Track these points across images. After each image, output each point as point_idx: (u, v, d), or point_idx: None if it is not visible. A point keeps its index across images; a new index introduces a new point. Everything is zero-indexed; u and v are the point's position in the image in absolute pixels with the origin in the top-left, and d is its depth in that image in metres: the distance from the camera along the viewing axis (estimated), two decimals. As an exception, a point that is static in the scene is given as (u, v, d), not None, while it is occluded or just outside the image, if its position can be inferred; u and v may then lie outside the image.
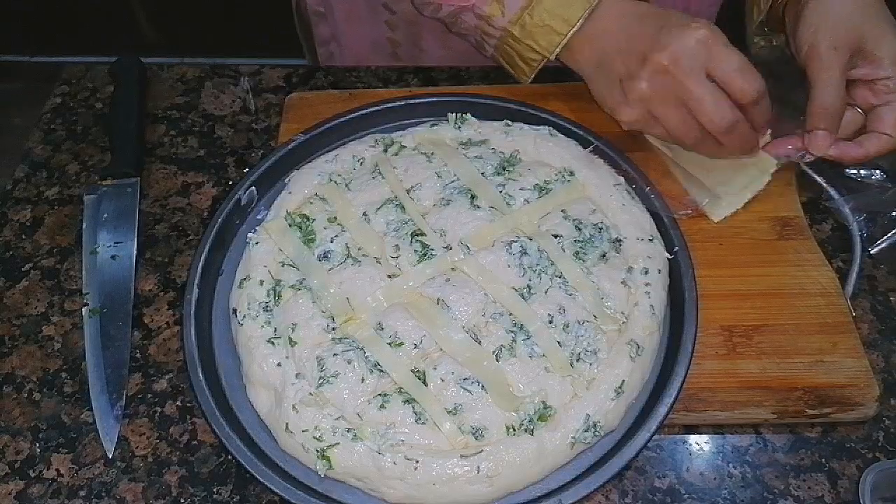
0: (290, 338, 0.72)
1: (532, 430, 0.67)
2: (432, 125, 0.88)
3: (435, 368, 0.70)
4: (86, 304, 0.82)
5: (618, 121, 0.84)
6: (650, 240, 0.78)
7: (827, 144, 0.79)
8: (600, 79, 0.84)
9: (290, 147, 0.87)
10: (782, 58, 0.92)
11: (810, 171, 0.89)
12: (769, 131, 0.85)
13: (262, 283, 0.76)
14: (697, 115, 0.77)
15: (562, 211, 0.79)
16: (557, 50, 0.84)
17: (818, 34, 0.78)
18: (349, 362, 0.70)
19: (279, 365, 0.71)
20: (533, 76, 0.90)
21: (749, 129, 0.80)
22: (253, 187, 0.85)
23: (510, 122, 0.87)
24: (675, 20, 0.78)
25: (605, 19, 0.82)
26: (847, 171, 0.90)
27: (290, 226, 0.79)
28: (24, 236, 0.90)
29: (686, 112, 0.78)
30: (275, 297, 0.75)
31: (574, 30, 0.82)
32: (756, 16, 0.92)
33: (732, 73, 0.76)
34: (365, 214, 0.80)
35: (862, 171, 0.90)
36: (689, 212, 0.84)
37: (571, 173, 0.83)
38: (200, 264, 0.79)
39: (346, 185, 0.82)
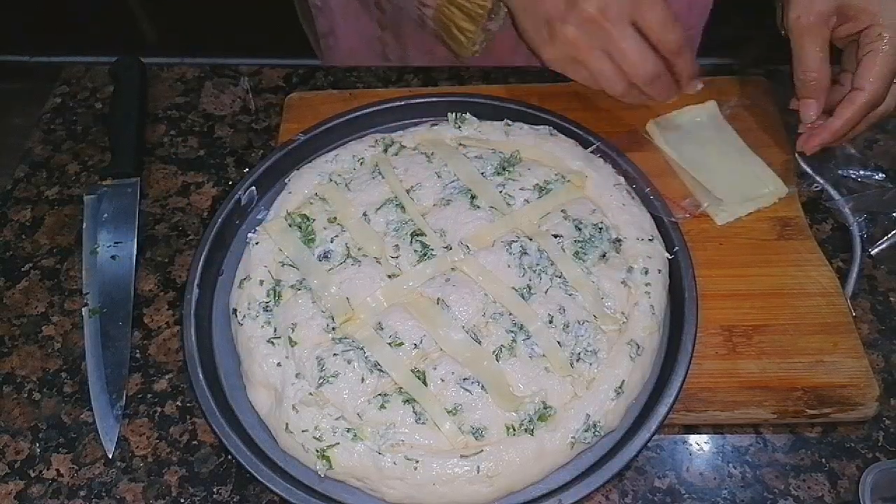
0: (290, 338, 0.72)
1: (532, 430, 0.67)
2: (432, 125, 0.88)
3: (435, 368, 0.70)
4: (86, 304, 0.82)
5: (540, 58, 0.85)
6: (650, 240, 0.78)
7: (813, 113, 0.80)
8: (529, 16, 0.84)
9: (290, 147, 0.87)
10: None
11: (811, 172, 0.89)
12: (699, 81, 0.86)
13: (262, 283, 0.76)
14: (621, 64, 0.79)
15: (562, 211, 0.79)
16: None
17: (798, 7, 0.79)
18: (349, 362, 0.70)
19: (279, 365, 0.71)
20: (477, 46, 0.91)
21: (671, 81, 0.82)
22: (253, 187, 0.85)
23: (510, 122, 0.87)
24: None
25: None
26: (847, 171, 0.90)
27: (290, 226, 0.79)
28: (24, 236, 0.90)
29: (611, 61, 0.80)
30: (275, 297, 0.75)
31: None
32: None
33: (656, 24, 0.78)
34: (365, 214, 0.80)
35: (862, 172, 0.90)
36: (687, 215, 0.84)
37: (571, 173, 0.83)
38: (200, 264, 0.79)
39: (346, 185, 0.82)
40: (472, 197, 0.80)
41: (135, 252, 0.86)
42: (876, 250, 0.85)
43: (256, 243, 0.79)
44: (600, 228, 0.78)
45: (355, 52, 1.13)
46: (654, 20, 0.78)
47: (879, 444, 0.73)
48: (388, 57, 1.11)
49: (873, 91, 0.78)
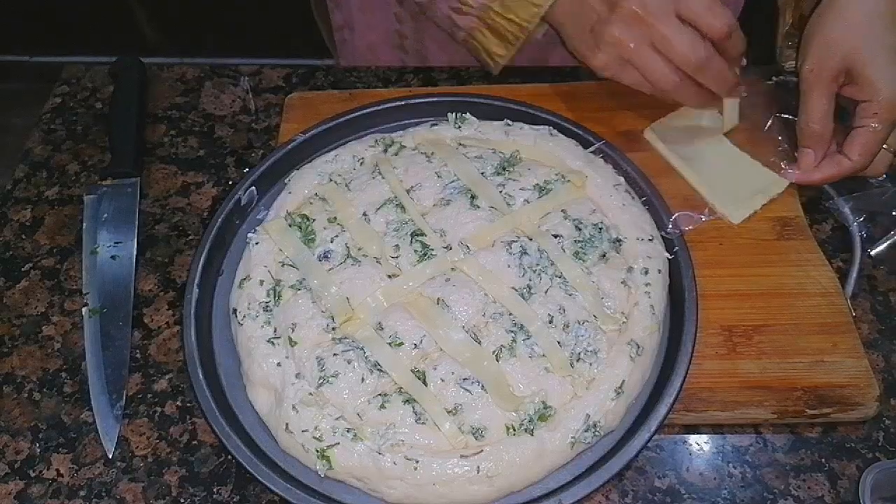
0: (290, 338, 0.72)
1: (532, 430, 0.67)
2: (432, 125, 0.88)
3: (435, 368, 0.70)
4: (86, 304, 0.82)
5: (590, 66, 0.85)
6: (650, 240, 0.78)
7: (810, 162, 0.83)
8: (575, 28, 0.85)
9: (290, 147, 0.87)
10: None
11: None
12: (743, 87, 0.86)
13: (262, 283, 0.76)
14: (670, 55, 0.79)
15: (562, 211, 0.79)
16: (536, 20, 0.86)
17: (810, 54, 0.81)
18: (349, 362, 0.70)
19: (279, 365, 0.71)
20: (505, 61, 0.91)
21: (724, 65, 0.81)
22: (253, 187, 0.85)
23: (510, 122, 0.87)
24: None
25: None
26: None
27: (290, 226, 0.79)
28: (24, 236, 0.90)
29: (659, 54, 0.79)
30: (275, 297, 0.75)
31: (551, 2, 0.84)
32: (782, 26, 0.93)
33: (701, 10, 0.77)
34: (365, 214, 0.80)
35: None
36: (689, 228, 0.83)
37: (571, 173, 0.83)
38: (200, 264, 0.79)
39: (346, 185, 0.82)
40: (472, 197, 0.80)
41: (135, 252, 0.86)
42: (876, 250, 0.85)
43: (256, 243, 0.79)
44: (600, 228, 0.78)
45: (372, 46, 1.13)
46: (699, 6, 0.77)
47: (879, 444, 0.73)
48: (406, 50, 1.11)
49: (859, 162, 0.81)
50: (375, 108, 0.91)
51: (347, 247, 0.77)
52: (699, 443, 0.74)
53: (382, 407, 0.68)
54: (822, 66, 0.80)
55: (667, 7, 0.78)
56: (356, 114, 0.90)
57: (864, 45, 0.79)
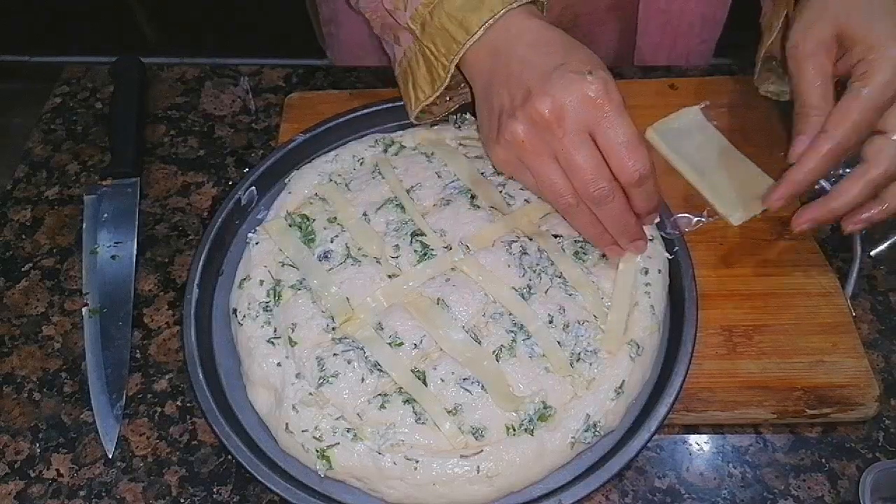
0: (290, 338, 0.72)
1: (532, 430, 0.67)
2: (432, 125, 0.88)
3: (435, 368, 0.70)
4: (86, 304, 0.82)
5: (490, 158, 0.76)
6: (650, 240, 0.78)
7: (799, 150, 0.71)
8: (484, 106, 0.75)
9: (290, 147, 0.87)
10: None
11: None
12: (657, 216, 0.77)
13: (262, 283, 0.76)
14: (569, 174, 0.68)
15: (562, 211, 0.79)
16: (456, 59, 0.74)
17: (796, 34, 0.73)
18: (349, 362, 0.70)
19: (279, 365, 0.71)
20: (417, 114, 0.81)
21: (627, 211, 0.70)
22: (253, 187, 0.85)
23: (510, 122, 0.87)
24: (576, 61, 0.68)
25: (505, 34, 0.71)
26: (847, 171, 0.90)
27: (290, 226, 0.79)
28: (24, 236, 0.90)
29: (559, 169, 0.69)
30: (275, 297, 0.75)
31: (473, 40, 0.72)
32: (762, 47, 0.84)
33: (617, 145, 0.66)
34: (365, 214, 0.80)
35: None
36: (689, 229, 0.82)
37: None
38: (200, 264, 0.79)
39: (346, 185, 0.82)
40: (472, 197, 0.80)
41: (135, 252, 0.86)
42: (876, 250, 0.85)
43: (256, 243, 0.79)
44: (600, 228, 0.78)
45: (359, 42, 1.12)
46: (617, 137, 0.66)
47: (879, 444, 0.73)
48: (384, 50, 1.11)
49: (841, 138, 0.68)
50: (375, 108, 0.91)
51: (347, 247, 0.77)
52: (699, 443, 0.74)
53: (382, 407, 0.68)
54: (808, 37, 0.70)
55: (581, 123, 0.66)
56: (356, 114, 0.90)
57: (864, 10, 0.69)
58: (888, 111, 0.69)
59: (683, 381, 0.70)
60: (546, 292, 0.73)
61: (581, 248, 0.76)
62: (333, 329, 0.73)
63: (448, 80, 0.76)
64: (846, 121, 0.68)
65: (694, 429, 0.74)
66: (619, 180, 0.68)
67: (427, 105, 0.80)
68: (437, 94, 0.78)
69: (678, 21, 1.04)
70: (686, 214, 0.83)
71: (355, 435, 0.67)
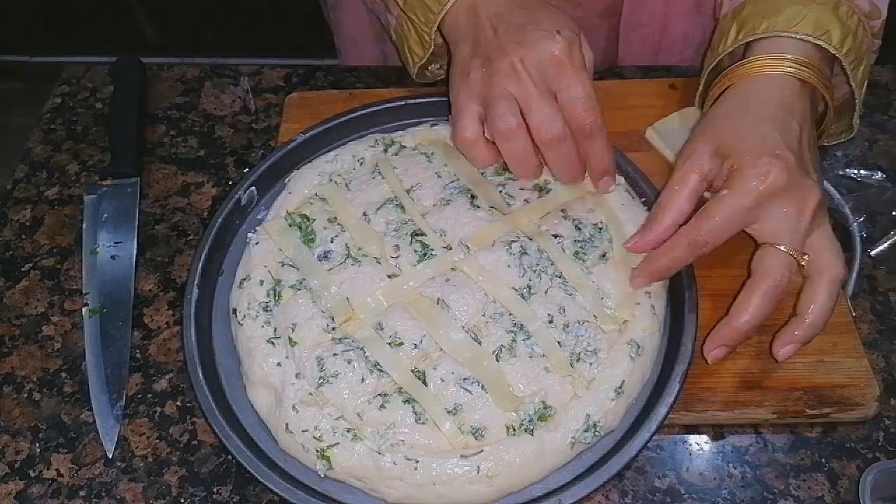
0: (290, 338, 0.72)
1: (532, 430, 0.67)
2: (432, 125, 0.88)
3: (435, 368, 0.70)
4: (86, 304, 0.82)
5: (454, 98, 0.78)
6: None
7: (636, 241, 0.73)
8: (457, 52, 0.80)
9: (290, 147, 0.87)
10: None
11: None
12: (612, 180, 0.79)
13: (262, 283, 0.76)
14: (527, 116, 0.73)
15: (561, 211, 0.79)
16: (434, 27, 0.81)
17: (685, 146, 0.75)
18: (349, 362, 0.70)
19: (279, 365, 0.71)
20: (416, 71, 0.89)
21: (576, 157, 0.76)
22: (253, 187, 0.85)
23: (510, 122, 0.87)
24: (547, 21, 0.74)
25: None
26: (847, 170, 0.90)
27: (290, 226, 0.79)
28: (24, 236, 0.90)
29: (517, 110, 0.74)
30: (275, 297, 0.75)
31: (447, 8, 0.79)
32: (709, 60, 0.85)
33: (574, 98, 0.73)
34: (365, 214, 0.80)
35: (862, 171, 0.90)
36: None
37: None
38: (200, 264, 0.79)
39: (346, 185, 0.82)
40: (472, 197, 0.80)
41: (135, 252, 0.86)
42: (876, 250, 0.85)
43: (256, 243, 0.79)
44: (600, 228, 0.78)
45: (360, 26, 1.12)
46: (573, 94, 0.73)
47: (879, 444, 0.73)
48: (386, 40, 1.11)
49: (705, 234, 0.70)
50: (375, 108, 0.91)
51: (347, 247, 0.77)
52: (699, 443, 0.74)
53: (382, 407, 0.68)
54: (693, 148, 0.73)
55: (544, 76, 0.73)
56: (356, 114, 0.90)
57: (745, 128, 0.73)
58: (761, 221, 0.71)
59: (683, 381, 0.70)
60: (546, 292, 0.73)
61: (581, 248, 0.76)
62: (333, 329, 0.73)
63: (433, 45, 0.84)
64: (709, 220, 0.70)
65: (694, 429, 0.74)
66: (571, 128, 0.74)
67: (423, 66, 0.89)
68: (429, 55, 0.86)
69: (659, 37, 1.06)
70: None
71: (355, 435, 0.67)
